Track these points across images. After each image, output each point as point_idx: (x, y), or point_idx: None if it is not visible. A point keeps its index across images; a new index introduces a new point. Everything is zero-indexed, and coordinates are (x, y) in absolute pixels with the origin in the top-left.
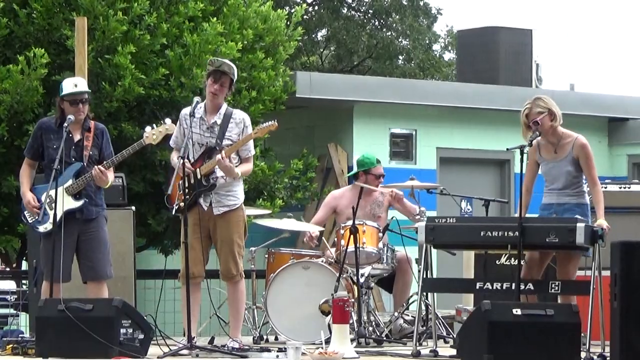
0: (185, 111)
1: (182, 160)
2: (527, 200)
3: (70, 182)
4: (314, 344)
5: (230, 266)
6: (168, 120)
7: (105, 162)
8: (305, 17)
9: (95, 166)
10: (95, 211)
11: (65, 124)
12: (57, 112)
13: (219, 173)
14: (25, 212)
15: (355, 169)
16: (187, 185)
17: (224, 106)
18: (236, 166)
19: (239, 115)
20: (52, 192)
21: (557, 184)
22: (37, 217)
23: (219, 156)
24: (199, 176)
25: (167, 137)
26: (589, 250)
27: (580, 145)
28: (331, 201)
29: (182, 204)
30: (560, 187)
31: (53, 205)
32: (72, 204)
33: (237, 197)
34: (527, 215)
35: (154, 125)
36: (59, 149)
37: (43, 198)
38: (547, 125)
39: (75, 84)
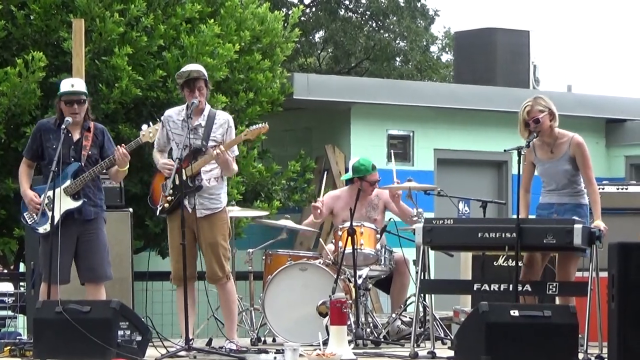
0: (170, 112)
1: (177, 160)
2: (527, 199)
3: (68, 182)
4: (311, 345)
5: (216, 269)
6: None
7: (107, 159)
8: (302, 18)
9: (119, 146)
10: (94, 212)
11: (63, 125)
12: (57, 113)
13: (204, 176)
14: (25, 214)
15: (350, 173)
16: (172, 186)
17: (207, 108)
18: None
19: (223, 116)
20: (50, 193)
21: (555, 184)
22: (36, 219)
23: (217, 150)
24: (184, 177)
25: None
26: (586, 251)
27: (577, 144)
28: (329, 201)
29: (166, 205)
30: (559, 187)
31: (52, 206)
32: (70, 204)
33: (220, 200)
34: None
35: (150, 123)
36: (58, 150)
37: (42, 198)
38: (546, 125)
39: (72, 84)
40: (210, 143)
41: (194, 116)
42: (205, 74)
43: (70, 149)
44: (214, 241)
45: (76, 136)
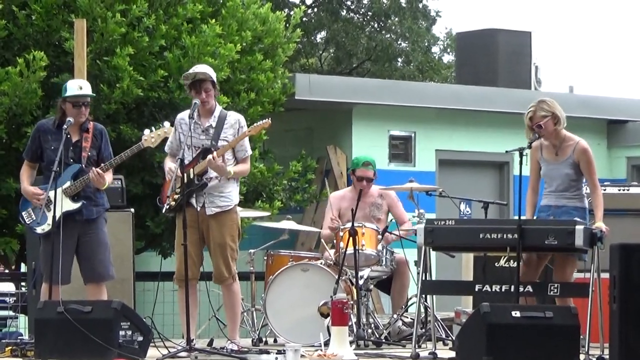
0: (182, 115)
1: (179, 161)
2: (534, 199)
3: (68, 183)
4: (313, 346)
5: (223, 270)
6: (167, 124)
7: (103, 164)
8: (304, 19)
9: (93, 168)
10: (96, 211)
11: (65, 126)
12: (57, 113)
13: (213, 174)
14: (23, 213)
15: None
16: (179, 186)
17: (218, 109)
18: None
19: (234, 116)
20: (50, 194)
21: (555, 186)
22: (34, 218)
23: (209, 156)
24: (191, 175)
25: (165, 140)
26: (585, 255)
27: (582, 150)
28: (335, 202)
29: (172, 203)
30: (559, 189)
31: (51, 206)
32: (70, 205)
33: (230, 198)
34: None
35: (153, 128)
36: (57, 151)
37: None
38: (550, 129)
39: (80, 86)
40: (221, 143)
41: (205, 118)
42: (213, 75)
43: (69, 150)
44: (222, 242)
45: (75, 137)
